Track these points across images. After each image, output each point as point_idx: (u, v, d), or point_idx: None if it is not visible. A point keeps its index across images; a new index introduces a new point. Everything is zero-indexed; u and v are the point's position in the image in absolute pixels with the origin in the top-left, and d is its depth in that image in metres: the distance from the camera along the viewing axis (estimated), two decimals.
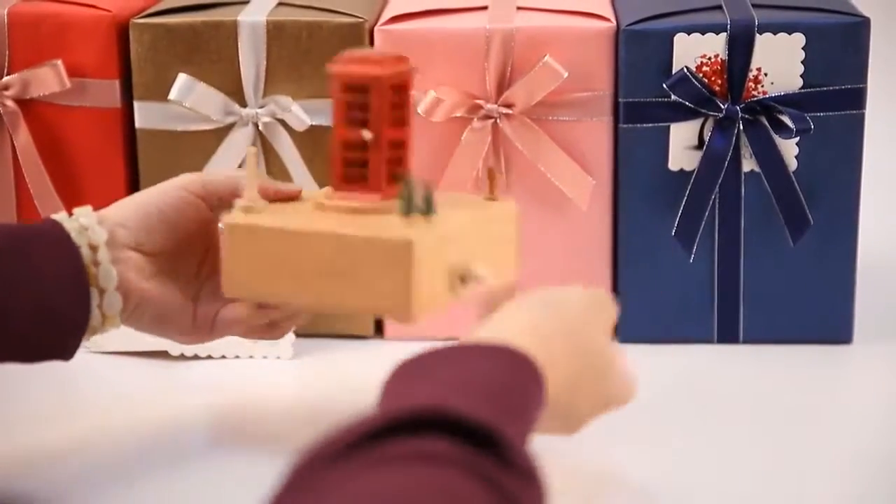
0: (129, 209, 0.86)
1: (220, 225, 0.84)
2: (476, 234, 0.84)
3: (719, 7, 1.05)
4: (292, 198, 0.88)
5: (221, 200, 0.87)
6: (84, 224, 0.83)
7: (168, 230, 0.87)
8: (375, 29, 1.05)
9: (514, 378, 0.68)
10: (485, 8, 1.06)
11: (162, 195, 0.88)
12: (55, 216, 0.85)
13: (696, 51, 1.02)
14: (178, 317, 0.88)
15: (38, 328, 0.81)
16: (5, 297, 0.80)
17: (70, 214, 0.85)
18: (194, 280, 0.89)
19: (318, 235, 0.81)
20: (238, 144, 1.06)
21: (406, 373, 0.67)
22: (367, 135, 0.82)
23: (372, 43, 1.05)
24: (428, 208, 0.80)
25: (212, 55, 1.07)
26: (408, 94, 0.84)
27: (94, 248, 0.83)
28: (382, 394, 0.66)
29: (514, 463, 0.59)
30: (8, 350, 0.82)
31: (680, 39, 1.02)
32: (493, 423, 0.60)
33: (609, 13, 1.06)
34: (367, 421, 0.58)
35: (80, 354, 1.06)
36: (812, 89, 1.02)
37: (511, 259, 0.87)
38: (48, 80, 1.08)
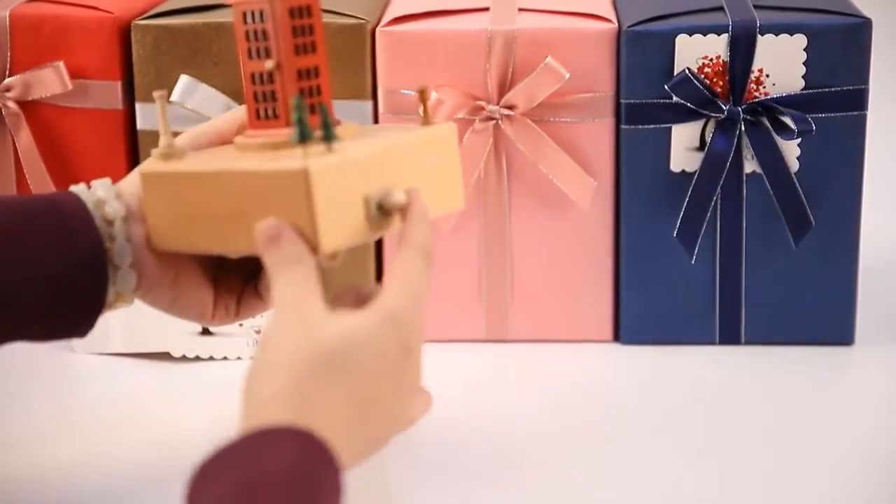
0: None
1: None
2: (401, 161, 0.78)
3: (721, 8, 1.05)
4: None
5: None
6: (101, 197, 0.80)
7: None
8: (377, 30, 1.05)
9: (303, 463, 0.64)
10: (486, 9, 1.06)
11: None
12: (74, 188, 0.81)
13: (697, 52, 1.02)
14: (197, 299, 0.84)
15: (53, 305, 0.78)
16: (21, 274, 0.77)
17: (88, 186, 0.81)
18: (214, 260, 0.85)
19: (218, 175, 0.77)
20: None
21: (200, 479, 0.64)
22: (268, 65, 0.78)
23: (374, 44, 1.05)
24: (327, 134, 0.75)
25: (213, 57, 1.07)
26: (314, 17, 0.80)
27: (109, 223, 0.80)
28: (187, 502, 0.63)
29: None
30: (22, 328, 0.79)
31: (681, 41, 1.02)
32: None
33: (610, 14, 1.06)
34: None
35: (82, 356, 1.06)
36: (814, 90, 1.02)
37: (455, 185, 0.82)
38: (50, 81, 1.08)
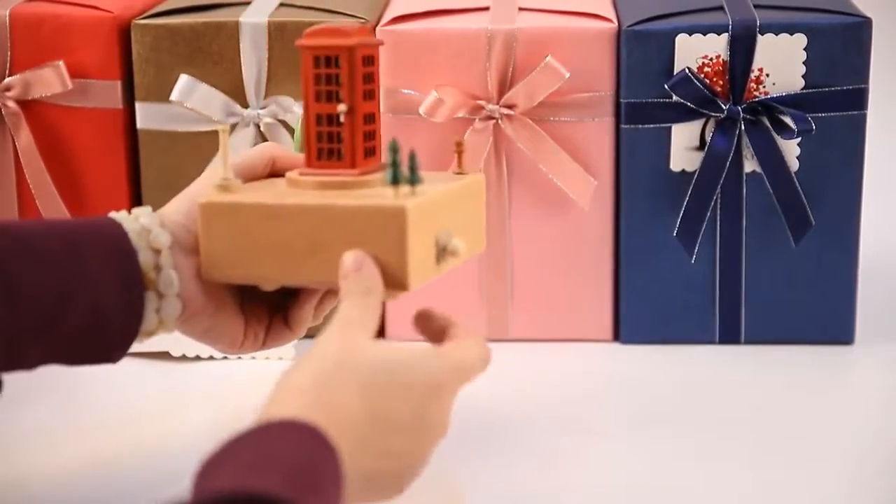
0: (189, 211, 0.82)
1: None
2: (454, 207, 0.82)
3: (721, 8, 1.05)
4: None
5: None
6: (145, 225, 0.80)
7: None
8: (378, 29, 1.05)
9: (305, 452, 0.66)
10: (486, 9, 1.06)
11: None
12: (114, 215, 0.81)
13: (697, 51, 1.02)
14: (230, 329, 0.85)
15: (88, 334, 0.78)
16: (58, 302, 0.77)
17: (129, 212, 0.81)
18: (242, 291, 0.86)
19: (306, 209, 0.78)
20: (240, 145, 1.06)
21: (209, 464, 0.65)
22: (342, 108, 0.81)
23: None
24: (414, 177, 0.78)
25: (213, 56, 1.07)
26: (375, 66, 0.83)
27: (156, 252, 0.80)
28: (193, 487, 0.64)
29: None
30: (56, 353, 0.79)
31: (681, 40, 1.02)
32: (290, 496, 0.60)
33: (610, 14, 1.06)
34: None
35: None
36: (814, 90, 1.02)
37: (482, 231, 0.86)
38: (50, 80, 1.08)
